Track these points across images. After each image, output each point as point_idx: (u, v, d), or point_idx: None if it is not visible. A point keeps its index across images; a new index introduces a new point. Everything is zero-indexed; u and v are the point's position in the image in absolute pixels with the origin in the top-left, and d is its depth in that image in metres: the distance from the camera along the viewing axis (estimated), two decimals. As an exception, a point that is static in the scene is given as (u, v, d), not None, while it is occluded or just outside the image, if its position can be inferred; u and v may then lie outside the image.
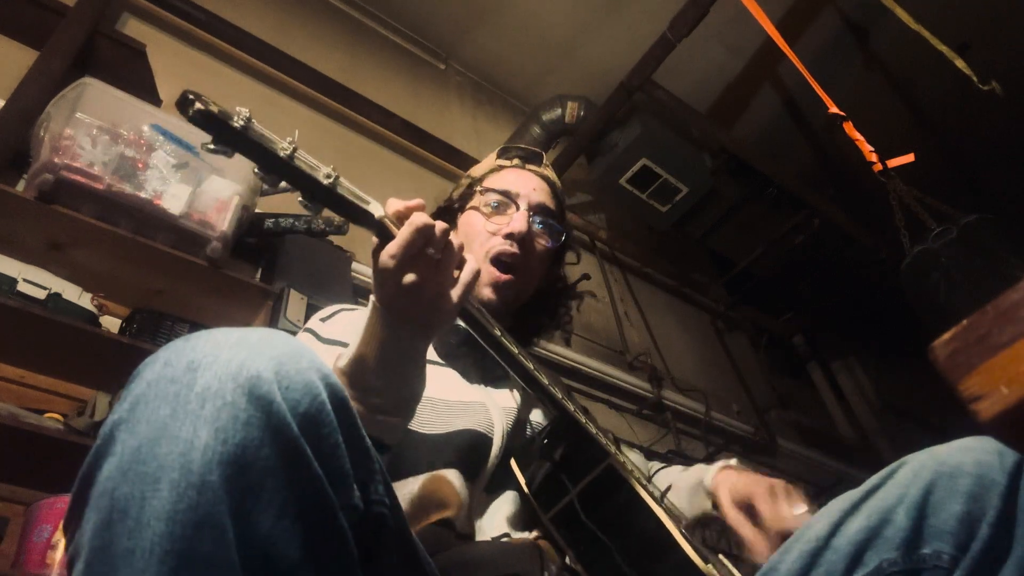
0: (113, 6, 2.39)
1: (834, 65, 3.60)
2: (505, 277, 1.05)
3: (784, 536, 0.83)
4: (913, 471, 0.67)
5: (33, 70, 1.89)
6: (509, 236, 1.05)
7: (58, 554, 1.35)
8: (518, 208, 1.09)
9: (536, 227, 1.10)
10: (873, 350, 4.89)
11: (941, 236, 2.13)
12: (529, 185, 1.12)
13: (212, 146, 0.64)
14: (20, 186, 1.80)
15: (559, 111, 3.48)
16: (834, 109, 2.33)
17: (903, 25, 2.52)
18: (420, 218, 0.70)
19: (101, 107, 1.75)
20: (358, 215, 0.72)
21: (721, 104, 3.89)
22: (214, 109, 0.62)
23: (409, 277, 0.71)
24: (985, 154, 4.14)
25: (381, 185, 2.96)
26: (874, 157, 2.28)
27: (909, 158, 2.34)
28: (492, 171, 1.16)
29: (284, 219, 2.10)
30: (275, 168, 0.67)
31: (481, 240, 1.07)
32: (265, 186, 0.71)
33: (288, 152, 0.67)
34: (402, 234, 0.70)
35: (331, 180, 0.70)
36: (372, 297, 0.76)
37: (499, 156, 1.19)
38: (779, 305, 4.73)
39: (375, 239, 0.73)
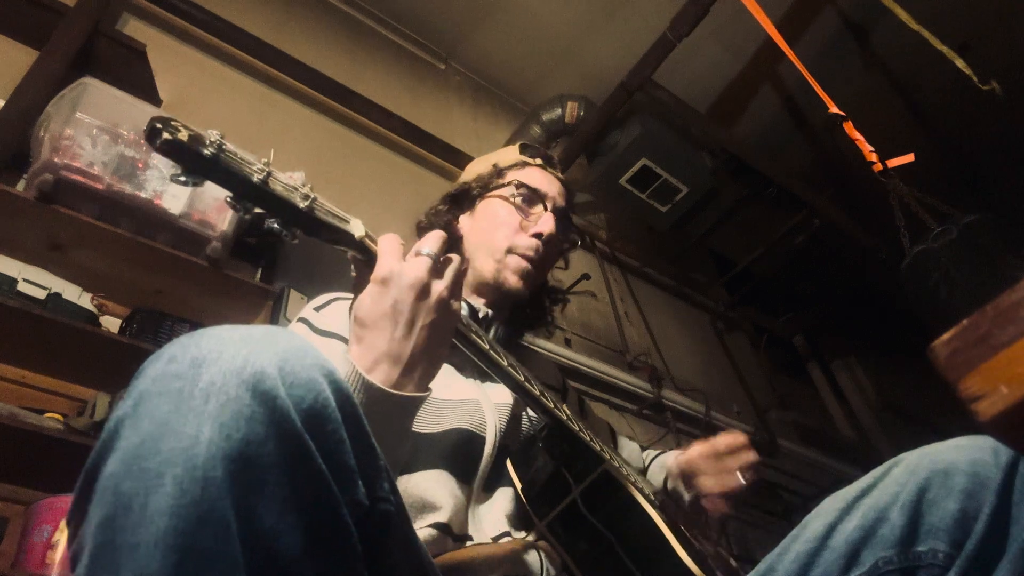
0: (113, 6, 2.39)
1: (834, 65, 3.60)
2: (532, 267, 1.09)
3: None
4: (908, 469, 0.67)
5: (33, 70, 1.89)
6: (538, 235, 1.09)
7: (58, 554, 1.35)
8: (546, 209, 1.12)
9: (558, 230, 1.13)
10: (873, 350, 4.89)
11: (941, 236, 2.13)
12: (555, 188, 1.16)
13: (181, 177, 0.60)
14: (20, 186, 1.80)
15: (559, 111, 3.48)
16: (834, 109, 2.33)
17: (903, 25, 2.52)
18: (439, 231, 0.73)
19: (101, 107, 1.75)
20: (338, 236, 0.70)
21: (721, 104, 3.90)
22: (183, 137, 0.58)
23: (438, 288, 0.71)
24: (985, 154, 4.14)
25: (381, 185, 2.96)
26: (874, 157, 2.29)
27: (909, 158, 2.35)
28: (517, 165, 1.19)
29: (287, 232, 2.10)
30: (248, 194, 0.63)
31: (506, 232, 1.10)
32: (240, 215, 0.67)
33: (262, 177, 0.63)
34: (431, 241, 0.71)
35: (308, 203, 0.66)
36: (351, 367, 0.69)
37: (522, 152, 1.22)
38: (779, 305, 4.73)
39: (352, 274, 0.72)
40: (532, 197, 1.13)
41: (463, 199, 1.18)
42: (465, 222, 1.17)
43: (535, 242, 1.09)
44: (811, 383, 4.82)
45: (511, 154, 1.22)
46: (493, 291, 1.09)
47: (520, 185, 1.14)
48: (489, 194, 1.16)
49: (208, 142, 0.59)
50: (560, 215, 1.14)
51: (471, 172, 1.24)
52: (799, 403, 4.41)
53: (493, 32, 3.65)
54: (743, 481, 0.98)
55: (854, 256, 4.11)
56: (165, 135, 0.57)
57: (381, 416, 0.67)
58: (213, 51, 2.72)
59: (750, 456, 1.02)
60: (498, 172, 1.18)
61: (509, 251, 1.09)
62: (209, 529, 0.43)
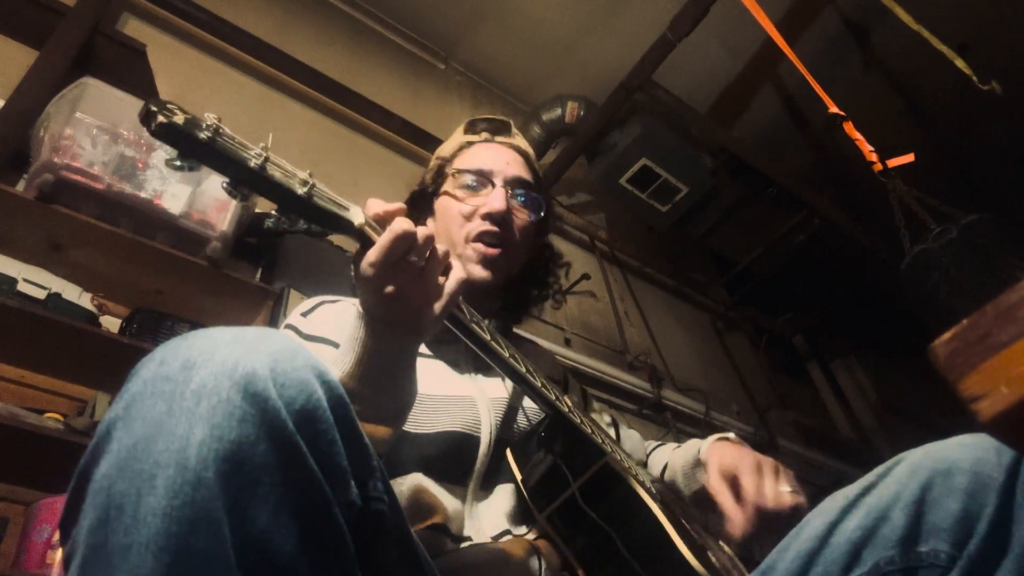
0: (113, 6, 2.39)
1: (834, 65, 3.60)
2: (493, 251, 1.02)
3: (763, 513, 0.84)
4: (910, 468, 0.67)
5: (33, 70, 1.89)
6: (488, 216, 1.02)
7: (58, 554, 1.35)
8: (494, 186, 1.05)
9: (515, 201, 1.06)
10: (873, 350, 4.89)
11: (941, 236, 2.13)
12: (502, 159, 1.08)
13: (177, 162, 0.58)
14: (20, 186, 1.80)
15: (559, 111, 3.48)
16: (834, 109, 2.33)
17: (903, 25, 2.52)
18: (401, 224, 0.67)
19: (101, 107, 1.75)
20: (337, 224, 0.67)
21: (721, 104, 3.89)
22: (179, 120, 0.56)
23: (389, 288, 0.68)
24: (985, 154, 4.14)
25: (381, 185, 2.96)
26: (874, 157, 2.28)
27: (909, 158, 2.34)
28: (462, 148, 1.12)
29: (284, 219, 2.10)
30: (246, 179, 0.61)
31: (459, 224, 1.03)
32: (237, 201, 0.65)
33: (259, 162, 0.60)
34: (381, 241, 0.67)
35: (307, 189, 0.64)
36: (358, 302, 0.73)
37: (466, 131, 1.15)
38: (779, 305, 4.73)
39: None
40: (477, 179, 1.06)
41: (421, 202, 1.12)
42: (431, 225, 1.10)
43: (486, 225, 1.02)
44: (811, 383, 4.82)
45: (456, 138, 1.15)
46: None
47: (459, 172, 1.07)
48: (440, 191, 1.09)
49: (205, 125, 0.57)
50: (513, 184, 1.06)
51: (430, 168, 1.16)
52: (799, 403, 4.41)
53: (493, 32, 3.64)
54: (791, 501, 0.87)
55: (854, 256, 4.10)
56: (160, 118, 0.55)
57: (386, 345, 0.73)
58: (213, 51, 2.72)
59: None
60: (444, 164, 1.11)
61: (467, 243, 1.02)
62: (201, 530, 0.43)
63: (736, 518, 0.85)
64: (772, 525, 0.85)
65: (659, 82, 3.12)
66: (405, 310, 0.70)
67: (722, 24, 3.12)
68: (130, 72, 2.09)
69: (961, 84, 2.62)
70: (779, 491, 0.86)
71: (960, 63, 2.49)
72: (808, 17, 3.45)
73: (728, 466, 0.90)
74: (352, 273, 0.72)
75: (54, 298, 1.71)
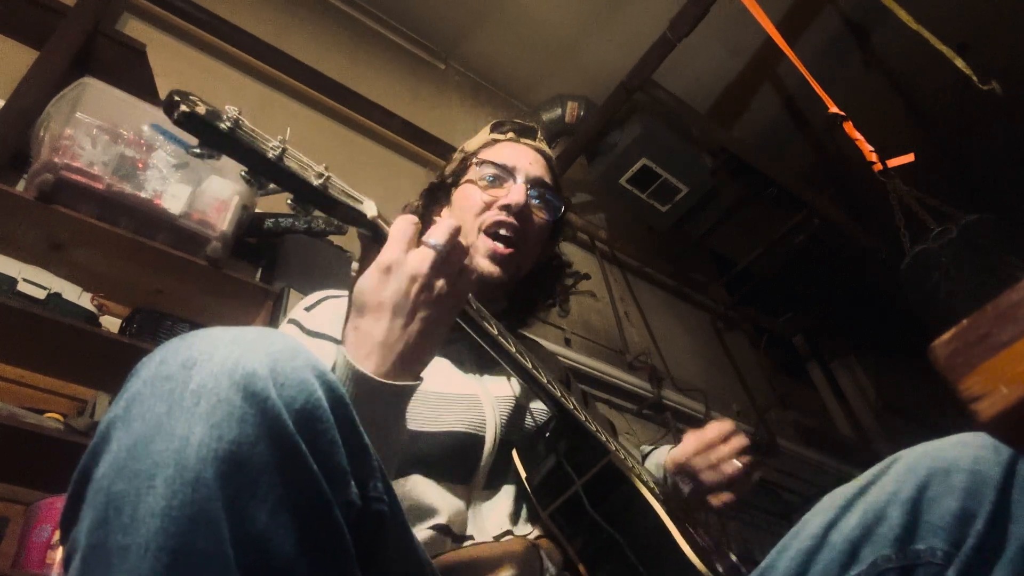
0: (113, 6, 2.39)
1: (834, 65, 3.60)
2: (506, 250, 1.02)
3: (716, 469, 0.98)
4: (907, 467, 0.67)
5: (33, 70, 1.89)
6: (506, 208, 1.02)
7: (58, 554, 1.35)
8: (515, 181, 1.06)
9: (534, 201, 1.07)
10: (873, 350, 4.89)
11: (941, 236, 2.13)
12: (526, 158, 1.10)
13: (198, 150, 0.62)
14: (20, 186, 1.80)
15: (559, 111, 3.48)
16: (834, 109, 2.33)
17: (903, 25, 2.52)
18: (451, 221, 0.70)
19: (101, 107, 1.75)
20: (351, 216, 0.69)
21: (721, 104, 3.89)
22: (201, 111, 0.59)
23: (440, 282, 0.69)
24: (985, 154, 4.14)
25: (381, 185, 2.96)
26: (874, 157, 2.29)
27: (909, 158, 2.35)
28: (486, 145, 1.14)
29: (284, 219, 2.10)
30: (264, 169, 0.64)
31: (476, 211, 1.04)
32: (255, 189, 0.68)
33: (277, 153, 0.63)
34: (439, 232, 0.69)
35: (322, 180, 0.66)
36: (343, 352, 0.68)
37: (493, 130, 1.17)
38: (779, 305, 4.73)
39: (355, 261, 0.71)
40: (499, 174, 1.07)
41: (439, 192, 1.14)
42: (446, 215, 1.11)
43: (503, 215, 1.02)
44: (811, 383, 4.82)
45: (482, 135, 1.18)
46: None
47: (483, 163, 1.08)
48: (461, 181, 1.11)
49: (225, 116, 0.60)
50: (533, 184, 1.07)
51: (452, 161, 1.19)
52: (799, 403, 4.41)
53: (493, 32, 3.64)
54: (739, 466, 0.96)
55: (854, 256, 4.10)
56: (183, 107, 0.58)
57: (372, 405, 0.66)
58: (213, 51, 2.72)
59: (742, 441, 0.99)
60: (467, 157, 1.13)
61: (480, 233, 1.03)
62: (200, 530, 0.43)
63: (689, 449, 0.99)
64: (716, 483, 0.97)
65: (659, 82, 3.12)
66: (439, 302, 0.70)
67: (722, 24, 3.12)
68: (130, 72, 2.09)
69: (961, 84, 2.63)
70: (732, 461, 0.97)
71: (960, 63, 2.49)
72: (808, 17, 3.45)
73: (704, 429, 1.02)
74: (354, 273, 0.72)
75: (54, 298, 1.71)
